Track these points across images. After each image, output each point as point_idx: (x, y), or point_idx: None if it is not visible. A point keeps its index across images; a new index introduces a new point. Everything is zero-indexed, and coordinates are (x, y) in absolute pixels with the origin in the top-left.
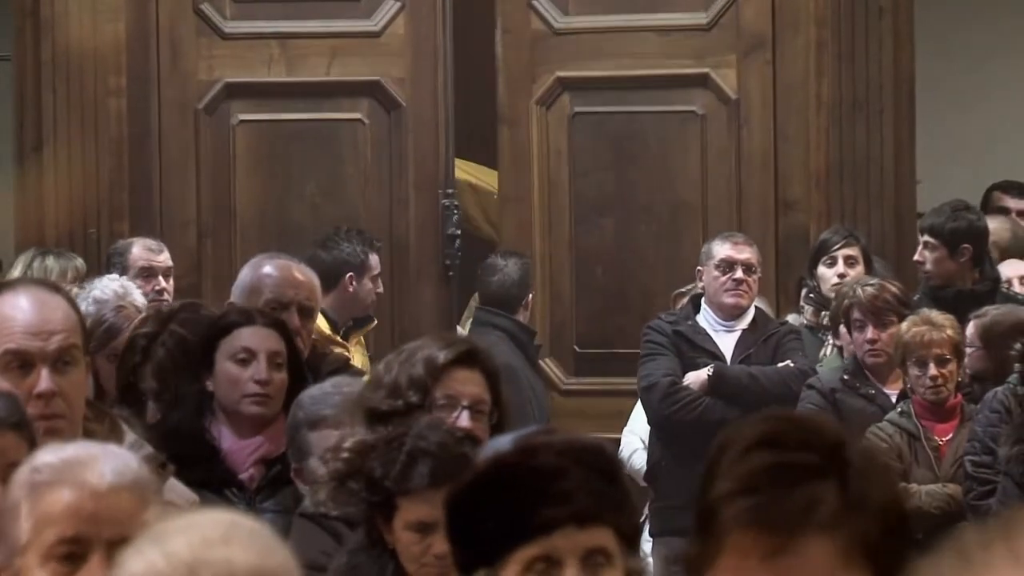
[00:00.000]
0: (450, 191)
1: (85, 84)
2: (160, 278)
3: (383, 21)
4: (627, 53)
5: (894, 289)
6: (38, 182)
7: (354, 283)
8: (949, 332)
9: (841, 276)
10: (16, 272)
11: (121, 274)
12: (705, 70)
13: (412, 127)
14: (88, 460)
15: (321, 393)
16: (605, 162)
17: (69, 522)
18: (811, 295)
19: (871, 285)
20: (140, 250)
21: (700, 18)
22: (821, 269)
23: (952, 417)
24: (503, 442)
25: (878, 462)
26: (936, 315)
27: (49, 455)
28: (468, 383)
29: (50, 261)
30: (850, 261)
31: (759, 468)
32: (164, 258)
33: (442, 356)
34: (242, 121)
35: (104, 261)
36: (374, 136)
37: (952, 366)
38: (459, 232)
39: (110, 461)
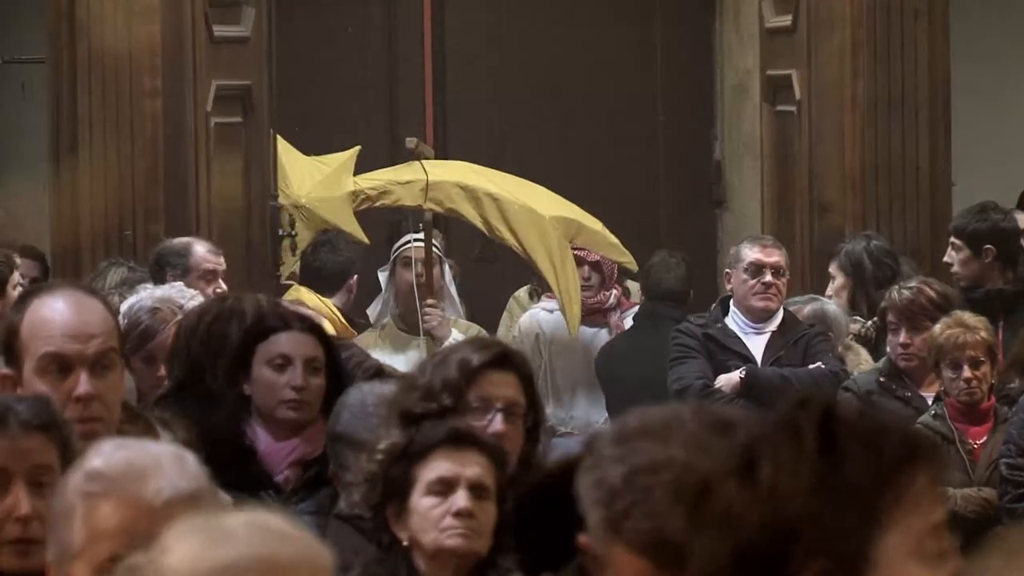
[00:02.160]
0: (275, 194)
1: (120, 85)
2: (220, 280)
3: (250, 26)
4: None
5: (931, 293)
6: (73, 183)
7: (352, 287)
8: (982, 334)
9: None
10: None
11: (183, 275)
12: (789, 71)
13: (256, 132)
14: (143, 471)
15: (361, 411)
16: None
17: (122, 540)
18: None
19: (909, 288)
20: (204, 252)
21: (787, 20)
22: None
23: (986, 420)
24: (571, 444)
25: None
26: (969, 317)
27: (102, 461)
28: (502, 386)
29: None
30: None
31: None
32: (221, 260)
33: (476, 358)
34: (216, 124)
35: (153, 261)
36: (247, 141)
37: (985, 368)
38: (294, 233)
39: (167, 471)
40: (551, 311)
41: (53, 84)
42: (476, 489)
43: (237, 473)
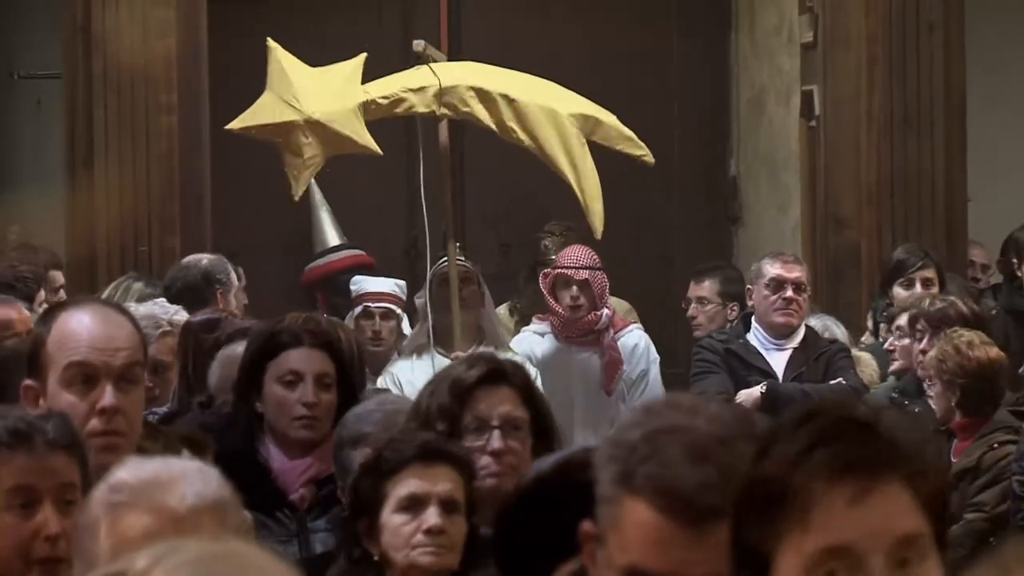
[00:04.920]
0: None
1: (136, 99)
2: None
3: None
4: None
5: (964, 309)
6: (89, 197)
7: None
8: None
9: None
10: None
11: (227, 291)
12: (811, 87)
13: None
14: (168, 481)
15: (364, 411)
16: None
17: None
18: (884, 314)
19: (943, 300)
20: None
21: (809, 36)
22: (896, 289)
23: None
24: (548, 460)
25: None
26: (966, 335)
27: (127, 473)
28: (497, 402)
29: (139, 285)
30: (927, 283)
31: (827, 424)
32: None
33: (467, 378)
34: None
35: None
36: None
37: None
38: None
39: (190, 481)
40: (542, 334)
41: (68, 99)
42: (446, 505)
43: (252, 492)
